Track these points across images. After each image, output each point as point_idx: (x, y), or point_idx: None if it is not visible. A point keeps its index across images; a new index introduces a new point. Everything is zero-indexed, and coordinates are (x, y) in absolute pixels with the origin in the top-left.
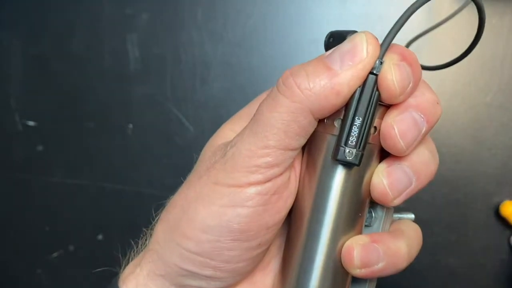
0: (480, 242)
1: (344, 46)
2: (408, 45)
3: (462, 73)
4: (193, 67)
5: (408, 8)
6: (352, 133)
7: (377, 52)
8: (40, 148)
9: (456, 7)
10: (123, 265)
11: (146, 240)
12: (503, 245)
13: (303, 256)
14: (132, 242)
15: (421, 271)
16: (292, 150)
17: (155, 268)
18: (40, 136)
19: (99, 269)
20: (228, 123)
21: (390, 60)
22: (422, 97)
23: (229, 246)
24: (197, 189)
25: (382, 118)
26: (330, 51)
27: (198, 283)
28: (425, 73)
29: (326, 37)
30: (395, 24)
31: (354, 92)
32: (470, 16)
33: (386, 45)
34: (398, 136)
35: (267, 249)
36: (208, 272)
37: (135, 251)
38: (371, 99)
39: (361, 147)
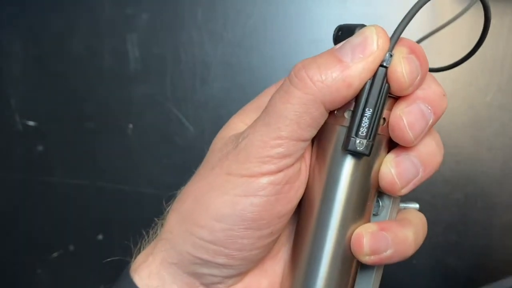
0: (480, 242)
1: (355, 39)
2: None
3: (462, 73)
4: (193, 67)
5: (417, 2)
6: (362, 124)
7: (387, 45)
8: (40, 148)
9: (459, 9)
10: (134, 255)
11: (157, 230)
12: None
13: (313, 244)
14: (138, 238)
15: (421, 271)
16: (303, 141)
17: (168, 256)
18: (40, 136)
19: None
20: (238, 115)
21: (400, 53)
22: (429, 90)
23: (242, 234)
24: (210, 180)
25: (390, 109)
26: (340, 44)
27: (211, 271)
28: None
29: (334, 30)
30: (404, 18)
31: (365, 84)
32: (470, 18)
33: (395, 38)
34: (407, 127)
35: (278, 237)
36: (221, 260)
37: (146, 241)
38: (381, 91)
39: (371, 137)
